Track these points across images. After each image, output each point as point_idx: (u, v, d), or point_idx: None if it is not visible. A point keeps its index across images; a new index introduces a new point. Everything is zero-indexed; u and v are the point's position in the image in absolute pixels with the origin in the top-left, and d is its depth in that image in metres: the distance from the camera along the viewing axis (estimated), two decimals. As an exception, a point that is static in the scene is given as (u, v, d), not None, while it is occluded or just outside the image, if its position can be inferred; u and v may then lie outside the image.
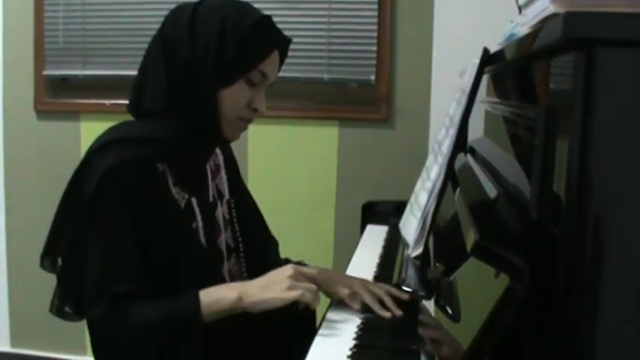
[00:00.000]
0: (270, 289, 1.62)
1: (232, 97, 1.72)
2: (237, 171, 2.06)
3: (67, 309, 1.79)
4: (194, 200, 1.79)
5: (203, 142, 1.81)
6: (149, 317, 1.60)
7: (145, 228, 1.66)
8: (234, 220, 1.95)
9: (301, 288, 1.60)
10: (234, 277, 1.89)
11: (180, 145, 1.74)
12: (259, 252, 2.01)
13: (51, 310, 1.83)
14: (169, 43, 1.72)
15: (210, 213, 1.85)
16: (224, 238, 1.88)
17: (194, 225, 1.78)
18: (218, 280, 1.77)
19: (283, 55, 1.83)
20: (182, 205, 1.76)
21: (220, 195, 1.92)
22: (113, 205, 1.63)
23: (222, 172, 1.97)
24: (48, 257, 1.82)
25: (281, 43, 1.80)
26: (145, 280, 1.65)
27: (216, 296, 1.63)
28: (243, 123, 1.79)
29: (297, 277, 1.64)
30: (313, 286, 1.63)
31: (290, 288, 1.60)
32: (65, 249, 1.74)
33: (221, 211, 1.90)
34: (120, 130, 1.75)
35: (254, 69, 1.73)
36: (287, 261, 2.00)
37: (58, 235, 1.78)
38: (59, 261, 1.79)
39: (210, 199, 1.87)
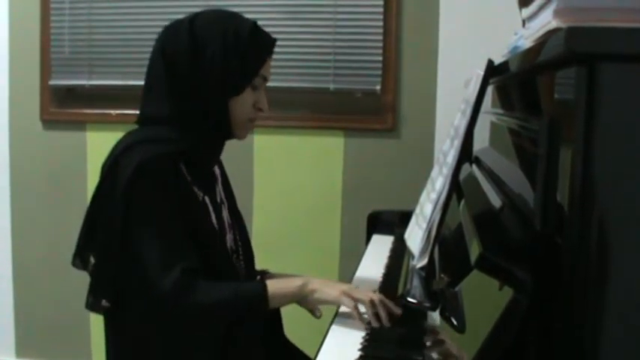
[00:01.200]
0: (332, 287, 1.79)
1: (240, 103, 1.85)
2: (229, 183, 2.14)
3: (104, 303, 1.82)
4: (207, 199, 1.88)
5: (214, 143, 1.93)
6: (221, 294, 1.71)
7: (181, 214, 1.75)
8: (235, 225, 2.04)
9: (357, 300, 1.74)
10: (237, 276, 1.95)
11: (196, 145, 1.83)
12: (254, 257, 2.12)
13: (86, 306, 1.87)
14: (171, 60, 1.83)
15: (219, 213, 1.93)
16: (228, 239, 1.97)
17: (211, 219, 1.88)
18: (232, 272, 1.88)
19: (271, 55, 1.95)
20: (200, 199, 1.85)
21: (222, 200, 2.00)
22: (152, 192, 1.72)
23: (220, 181, 2.04)
24: (79, 257, 1.86)
25: (272, 44, 1.92)
26: (199, 261, 1.74)
27: (283, 283, 1.81)
28: (251, 122, 1.92)
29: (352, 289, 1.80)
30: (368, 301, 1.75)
31: (347, 295, 1.75)
32: (101, 244, 1.79)
33: (225, 214, 1.98)
34: (139, 134, 1.83)
35: (257, 75, 1.86)
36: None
37: (90, 234, 1.83)
38: (91, 259, 1.83)
39: (218, 200, 1.96)
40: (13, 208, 3.80)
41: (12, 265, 3.83)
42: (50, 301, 3.77)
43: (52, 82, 3.66)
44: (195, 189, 1.83)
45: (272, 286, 1.75)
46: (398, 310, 1.74)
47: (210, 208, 1.89)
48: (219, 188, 2.02)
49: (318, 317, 1.86)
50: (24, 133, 3.74)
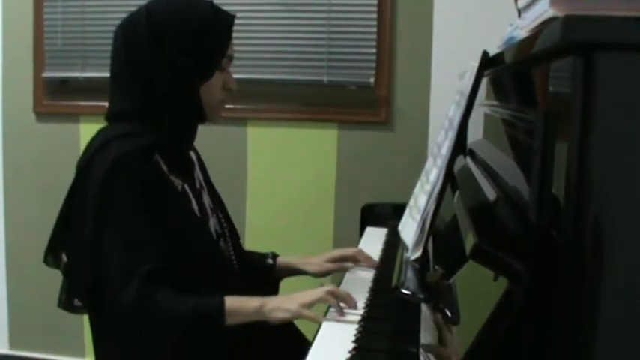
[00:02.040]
0: (289, 302, 1.75)
1: (210, 88, 1.86)
2: (206, 169, 2.14)
3: (75, 302, 1.83)
4: (187, 186, 1.88)
5: (187, 129, 1.93)
6: (179, 307, 1.67)
7: (155, 211, 1.73)
8: (217, 208, 2.05)
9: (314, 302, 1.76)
10: (226, 259, 1.99)
11: (168, 135, 1.83)
12: (239, 239, 2.14)
13: (59, 305, 1.88)
14: (132, 54, 1.82)
15: (199, 199, 1.94)
16: (212, 223, 1.98)
17: (192, 207, 1.88)
18: (219, 257, 1.92)
19: None
20: (179, 189, 1.85)
21: (201, 185, 2.02)
22: (125, 191, 1.70)
23: (197, 166, 2.05)
24: (52, 254, 1.87)
25: (232, 21, 1.89)
26: (166, 260, 1.72)
27: (241, 302, 1.74)
28: (223, 104, 1.93)
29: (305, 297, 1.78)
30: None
31: (303, 305, 1.75)
32: (73, 243, 1.79)
33: (206, 199, 1.99)
34: (111, 131, 1.82)
35: (224, 57, 1.87)
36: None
37: (62, 231, 1.83)
38: (64, 257, 1.83)
39: (197, 185, 1.97)
40: (6, 201, 3.80)
41: (5, 257, 3.83)
42: (44, 293, 3.76)
43: (45, 75, 3.66)
44: (173, 179, 1.83)
45: (231, 303, 1.71)
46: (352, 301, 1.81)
47: (191, 196, 1.89)
48: (197, 173, 2.02)
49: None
50: (17, 125, 3.74)
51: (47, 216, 3.79)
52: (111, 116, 1.89)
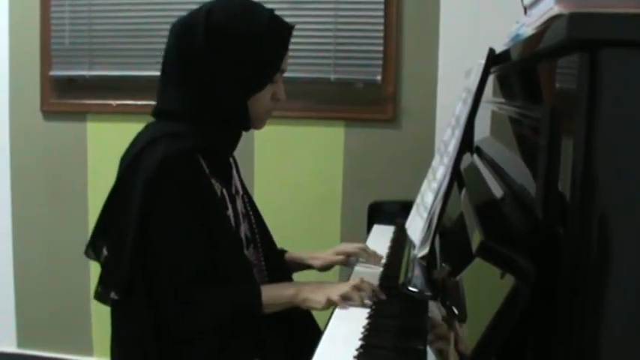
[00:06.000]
0: (319, 293, 1.83)
1: (261, 98, 1.87)
2: (240, 173, 2.15)
3: (112, 295, 1.85)
4: (225, 190, 1.90)
5: (232, 135, 1.94)
6: (218, 306, 1.80)
7: (198, 212, 1.77)
8: (250, 213, 2.06)
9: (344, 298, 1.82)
10: (254, 266, 2.00)
11: (215, 139, 1.86)
12: (273, 243, 2.15)
13: (95, 297, 1.91)
14: (187, 57, 1.82)
15: (234, 204, 1.95)
16: (243, 229, 1.98)
17: (227, 213, 1.89)
18: (244, 264, 1.93)
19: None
20: (218, 194, 1.87)
21: (237, 190, 2.02)
22: (174, 190, 1.74)
23: (234, 170, 2.05)
24: (92, 247, 1.89)
25: (289, 35, 1.90)
26: (205, 259, 1.80)
27: (276, 292, 1.85)
28: (269, 113, 1.95)
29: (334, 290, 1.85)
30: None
31: (331, 300, 1.82)
32: (115, 239, 1.82)
33: (239, 204, 1.99)
34: (159, 128, 1.84)
35: (277, 71, 1.87)
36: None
37: (106, 225, 1.86)
38: (104, 250, 1.86)
39: (234, 191, 1.98)
40: (13, 199, 3.81)
41: (13, 256, 3.84)
42: (51, 292, 3.77)
43: (52, 73, 3.66)
44: (214, 182, 1.85)
45: (267, 293, 1.81)
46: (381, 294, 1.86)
47: (228, 201, 1.90)
48: (235, 177, 2.03)
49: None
50: (24, 123, 3.75)
51: (54, 214, 3.82)
52: (158, 113, 1.90)
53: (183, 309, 1.76)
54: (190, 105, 1.82)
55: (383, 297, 1.85)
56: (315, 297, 1.81)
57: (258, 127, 1.96)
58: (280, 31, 1.86)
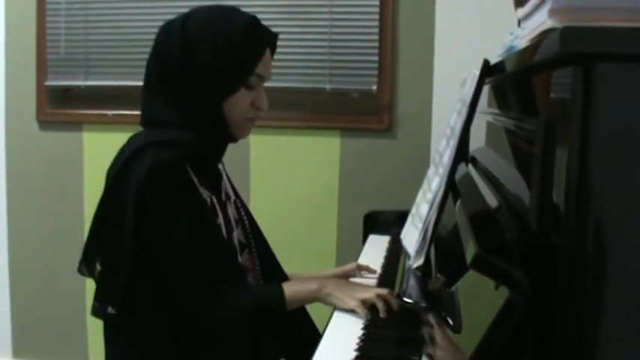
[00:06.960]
0: (346, 292, 1.81)
1: (235, 104, 1.83)
2: (229, 178, 2.13)
3: (109, 309, 1.82)
4: (214, 198, 1.88)
5: (218, 144, 1.92)
6: (243, 305, 1.76)
7: (191, 220, 1.76)
8: (244, 218, 2.05)
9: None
10: (249, 271, 1.99)
11: (201, 147, 1.84)
12: (268, 248, 2.14)
13: (92, 313, 1.87)
14: (166, 63, 1.82)
15: (225, 211, 1.93)
16: (236, 235, 1.96)
17: (218, 221, 1.87)
18: (239, 272, 1.90)
19: (273, 50, 1.93)
20: (208, 202, 1.85)
21: (227, 196, 2.00)
22: (166, 197, 1.73)
23: (224, 176, 2.04)
24: (85, 263, 1.87)
25: (269, 41, 1.89)
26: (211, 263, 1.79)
27: (299, 289, 1.83)
28: (251, 122, 1.91)
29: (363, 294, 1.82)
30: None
31: (361, 306, 1.77)
32: (108, 253, 1.80)
33: (231, 210, 1.98)
34: (146, 136, 1.82)
35: (252, 74, 1.83)
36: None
37: (97, 240, 1.83)
38: (98, 265, 1.83)
39: (223, 198, 1.96)
40: (9, 209, 3.80)
41: (9, 264, 3.83)
42: (47, 300, 3.77)
43: (48, 83, 3.66)
44: (202, 190, 1.83)
45: (289, 291, 1.79)
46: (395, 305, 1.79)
47: (218, 209, 1.89)
48: (224, 184, 2.01)
49: None
50: (20, 133, 3.74)
51: (50, 224, 3.81)
52: (146, 122, 1.89)
53: (208, 309, 1.75)
54: (172, 112, 1.81)
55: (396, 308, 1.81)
56: (340, 294, 1.80)
57: (239, 135, 1.91)
58: (257, 35, 1.84)
